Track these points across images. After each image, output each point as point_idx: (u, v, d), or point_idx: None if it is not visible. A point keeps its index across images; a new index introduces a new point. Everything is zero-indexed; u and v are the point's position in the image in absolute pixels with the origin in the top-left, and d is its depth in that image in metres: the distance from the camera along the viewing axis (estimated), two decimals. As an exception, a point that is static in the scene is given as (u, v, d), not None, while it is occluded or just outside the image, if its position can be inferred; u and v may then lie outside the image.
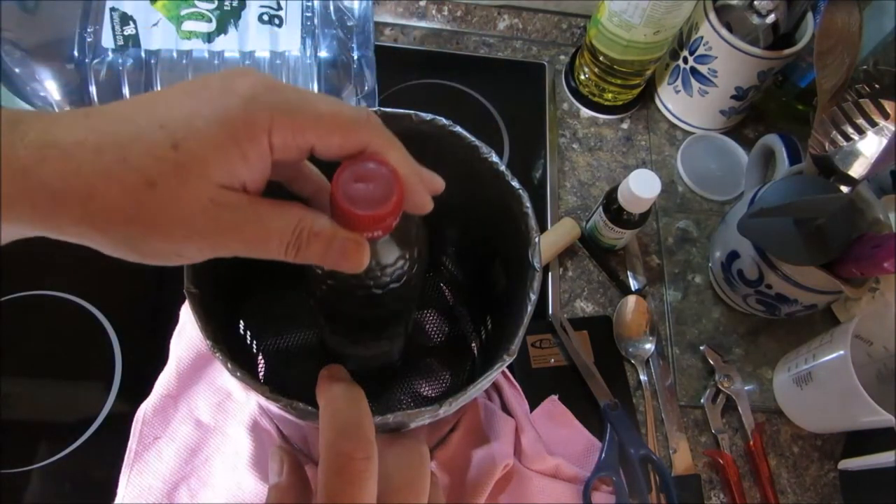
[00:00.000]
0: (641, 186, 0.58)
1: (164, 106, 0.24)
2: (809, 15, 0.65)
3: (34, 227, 0.23)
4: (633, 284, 0.66)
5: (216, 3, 0.54)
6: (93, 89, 0.50)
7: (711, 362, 0.62)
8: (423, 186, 0.29)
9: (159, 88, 0.51)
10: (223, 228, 0.24)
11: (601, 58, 0.70)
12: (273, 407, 0.32)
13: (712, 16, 0.65)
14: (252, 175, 0.25)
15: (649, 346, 0.62)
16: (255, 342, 0.51)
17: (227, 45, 0.53)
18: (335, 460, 0.26)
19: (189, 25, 0.53)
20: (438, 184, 0.31)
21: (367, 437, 0.27)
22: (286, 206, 0.26)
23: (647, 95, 0.77)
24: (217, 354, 0.32)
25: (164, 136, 0.23)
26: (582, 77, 0.74)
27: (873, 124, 0.50)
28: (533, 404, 0.57)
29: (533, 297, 0.36)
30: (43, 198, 0.22)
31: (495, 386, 0.57)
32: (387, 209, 0.27)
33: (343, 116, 0.26)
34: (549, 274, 0.65)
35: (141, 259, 0.25)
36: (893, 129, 0.50)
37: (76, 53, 0.50)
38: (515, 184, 0.39)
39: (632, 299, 0.64)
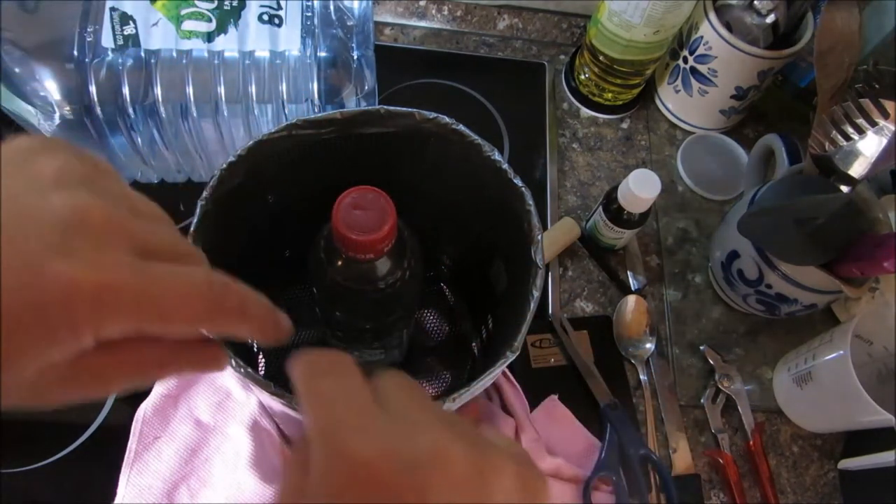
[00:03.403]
0: (641, 186, 0.58)
1: None
2: (809, 15, 0.66)
3: None
4: (633, 284, 0.66)
5: (216, 2, 0.54)
6: (93, 89, 0.50)
7: (711, 362, 0.62)
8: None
9: (159, 89, 0.51)
10: (57, 397, 0.22)
11: (601, 57, 0.70)
12: (276, 404, 0.32)
13: (712, 16, 0.65)
14: (70, 355, 0.21)
15: (649, 346, 0.62)
16: (255, 341, 0.51)
17: (227, 44, 0.53)
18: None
19: (189, 25, 0.53)
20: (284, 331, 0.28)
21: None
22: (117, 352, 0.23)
23: (647, 95, 0.77)
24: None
25: None
26: (582, 77, 0.74)
27: (873, 124, 0.50)
28: (533, 404, 0.57)
29: (536, 294, 0.36)
30: None
31: (495, 386, 0.57)
32: (380, 235, 0.31)
33: (192, 308, 0.23)
34: (550, 274, 0.65)
35: None
36: (893, 128, 0.50)
37: (76, 53, 0.50)
38: (518, 182, 0.39)
39: (632, 299, 0.64)
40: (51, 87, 0.50)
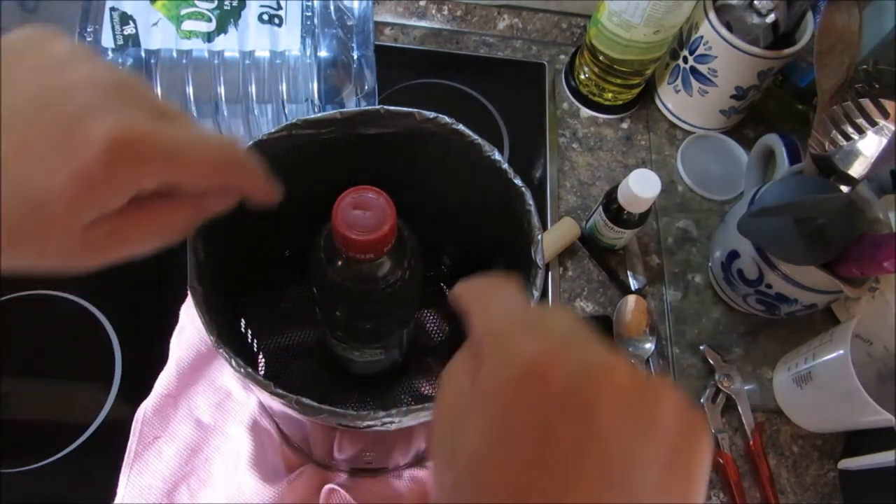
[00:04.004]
0: (641, 186, 0.58)
1: (16, 151, 0.23)
2: (809, 15, 0.66)
3: None
4: (632, 284, 0.66)
5: (216, 2, 0.54)
6: (93, 89, 0.50)
7: (711, 362, 0.62)
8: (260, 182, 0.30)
9: (159, 89, 0.51)
10: (93, 259, 0.27)
11: (601, 57, 0.70)
12: (276, 404, 0.32)
13: (712, 15, 0.65)
14: (111, 208, 0.25)
15: (649, 346, 0.62)
16: (255, 340, 0.51)
17: (227, 44, 0.53)
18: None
19: (189, 25, 0.53)
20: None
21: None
22: (151, 209, 0.27)
23: (647, 95, 0.77)
24: (221, 350, 0.32)
25: (27, 197, 0.23)
26: (582, 77, 0.74)
27: (873, 124, 0.50)
28: (533, 404, 0.57)
29: (536, 294, 0.36)
30: None
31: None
32: (380, 235, 0.32)
33: (210, 162, 0.27)
34: (549, 274, 0.65)
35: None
36: (893, 128, 0.50)
37: (76, 53, 0.50)
38: (518, 181, 0.39)
39: (632, 299, 0.64)
40: (51, 86, 0.50)
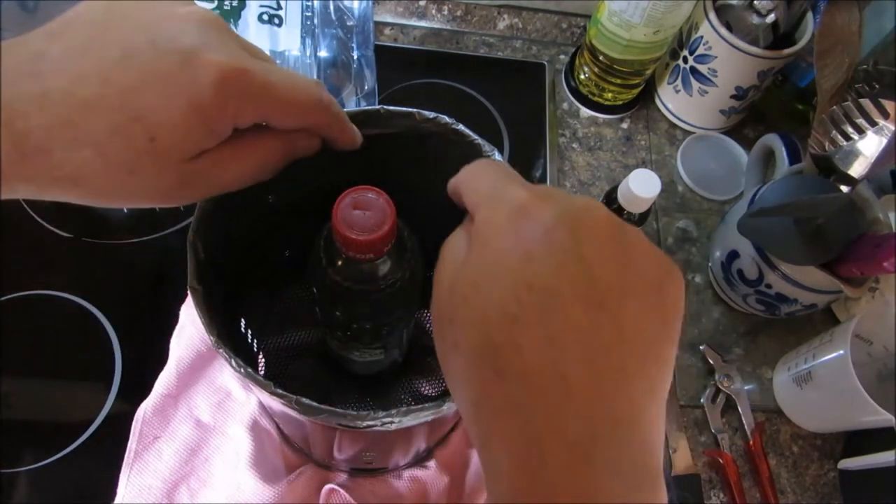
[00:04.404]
0: (641, 186, 0.58)
1: (131, 87, 0.25)
2: (809, 15, 0.66)
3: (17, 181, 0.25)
4: (633, 284, 0.65)
5: (216, 2, 0.54)
6: (93, 89, 0.50)
7: (711, 362, 0.62)
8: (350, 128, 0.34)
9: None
10: (191, 192, 0.29)
11: (601, 57, 0.70)
12: (276, 404, 0.32)
13: (712, 15, 0.65)
14: (216, 142, 0.27)
15: (649, 346, 0.62)
16: (255, 341, 0.51)
17: (228, 44, 0.53)
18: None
19: (189, 25, 0.53)
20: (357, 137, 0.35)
21: None
22: (242, 148, 0.29)
23: (647, 95, 0.77)
24: (221, 350, 0.32)
25: (142, 131, 0.25)
26: (582, 77, 0.74)
27: (873, 124, 0.50)
28: (533, 404, 0.57)
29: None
30: (41, 168, 0.24)
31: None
32: (380, 235, 0.32)
33: (302, 100, 0.29)
34: (550, 274, 0.65)
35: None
36: (893, 128, 0.50)
37: (76, 53, 0.50)
38: (517, 183, 0.39)
39: (632, 299, 0.64)
40: (51, 87, 0.50)
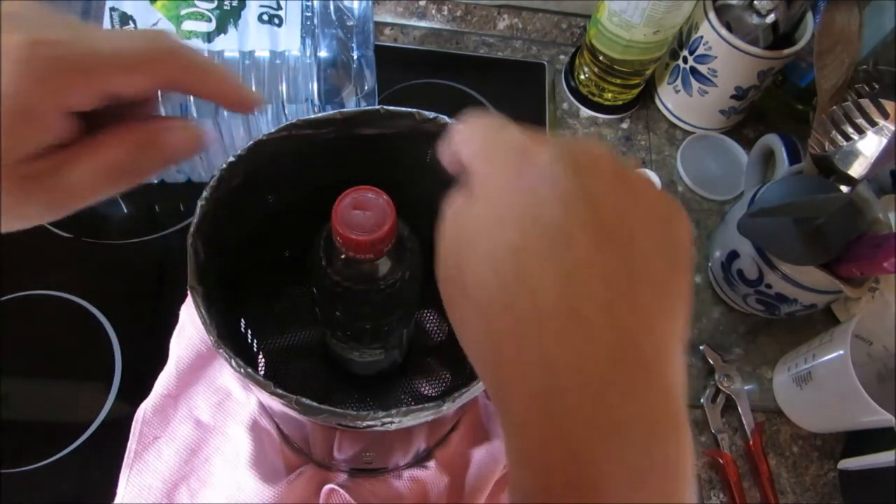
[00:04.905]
0: (641, 186, 0.58)
1: None
2: (809, 15, 0.66)
3: None
4: (633, 284, 0.65)
5: (216, 2, 0.54)
6: (93, 89, 0.50)
7: (711, 362, 0.62)
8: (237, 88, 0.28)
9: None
10: (34, 207, 0.24)
11: (601, 57, 0.70)
12: (276, 404, 0.32)
13: (712, 15, 0.65)
14: (57, 134, 0.23)
15: (649, 346, 0.62)
16: (255, 341, 0.51)
17: (227, 44, 0.53)
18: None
19: (189, 25, 0.53)
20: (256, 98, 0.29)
21: None
22: (99, 144, 0.25)
23: (646, 95, 0.77)
24: (221, 351, 0.32)
25: None
26: (582, 77, 0.74)
27: (873, 124, 0.50)
28: (533, 404, 0.57)
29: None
30: None
31: (496, 385, 0.57)
32: (380, 235, 0.32)
33: (139, 55, 0.24)
34: (550, 274, 0.65)
35: None
36: (893, 128, 0.50)
37: (76, 53, 0.50)
38: (517, 183, 0.39)
39: (632, 299, 0.64)
40: (51, 87, 0.50)
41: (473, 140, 0.25)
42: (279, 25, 0.54)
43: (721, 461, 0.57)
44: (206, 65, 0.27)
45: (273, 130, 0.39)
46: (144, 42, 0.24)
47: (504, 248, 0.21)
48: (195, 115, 0.53)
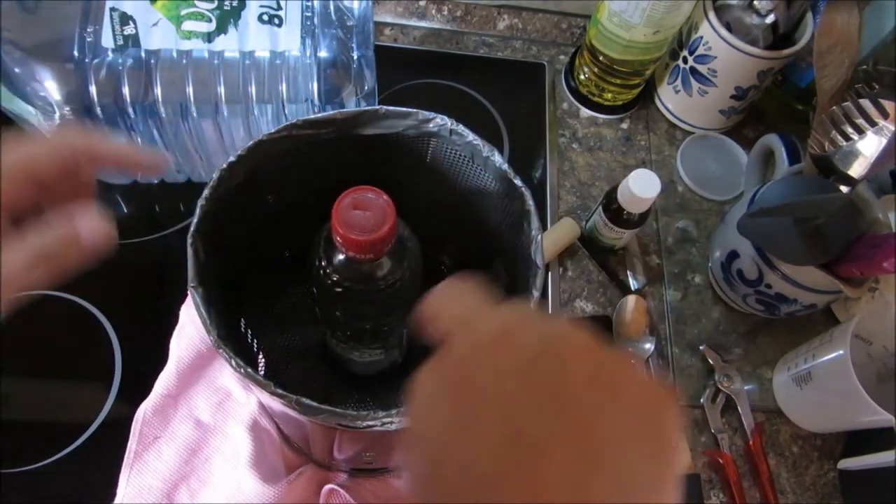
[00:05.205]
0: (641, 186, 0.58)
1: None
2: (809, 15, 0.66)
3: None
4: (632, 284, 0.66)
5: (216, 2, 0.54)
6: (93, 89, 0.50)
7: (711, 362, 0.62)
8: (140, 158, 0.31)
9: (159, 89, 0.51)
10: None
11: (601, 58, 0.70)
12: (276, 404, 0.32)
13: (712, 16, 0.65)
14: None
15: (649, 346, 0.62)
16: (255, 341, 0.51)
17: (227, 44, 0.53)
18: None
19: (189, 25, 0.53)
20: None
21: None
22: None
23: (646, 95, 0.77)
24: (221, 351, 0.32)
25: None
26: (582, 77, 0.74)
27: (873, 124, 0.50)
28: (533, 404, 0.57)
29: (536, 294, 0.36)
30: None
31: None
32: (380, 235, 0.32)
33: (33, 160, 0.27)
34: (549, 274, 0.65)
35: None
36: (893, 129, 0.50)
37: (76, 53, 0.50)
38: (518, 182, 0.39)
39: (631, 299, 0.64)
40: (51, 87, 0.50)
41: (451, 315, 0.25)
42: (279, 25, 0.54)
43: (721, 461, 0.57)
44: (105, 141, 0.30)
45: (273, 130, 0.39)
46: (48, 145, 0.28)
47: (480, 479, 0.19)
48: (195, 114, 0.53)
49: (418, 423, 0.23)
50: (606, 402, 0.20)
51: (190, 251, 0.35)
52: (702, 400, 0.61)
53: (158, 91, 0.52)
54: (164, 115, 0.53)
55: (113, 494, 0.49)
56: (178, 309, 0.55)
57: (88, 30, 0.51)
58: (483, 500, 0.19)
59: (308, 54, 0.53)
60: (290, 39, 0.54)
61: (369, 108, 0.40)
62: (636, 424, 0.21)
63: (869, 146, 0.51)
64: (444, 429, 0.21)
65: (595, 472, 0.19)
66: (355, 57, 0.54)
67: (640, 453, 0.20)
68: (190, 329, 0.54)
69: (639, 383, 0.22)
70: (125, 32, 0.52)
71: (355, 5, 0.55)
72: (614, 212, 0.61)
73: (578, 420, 0.20)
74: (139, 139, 0.55)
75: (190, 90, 0.52)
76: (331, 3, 0.55)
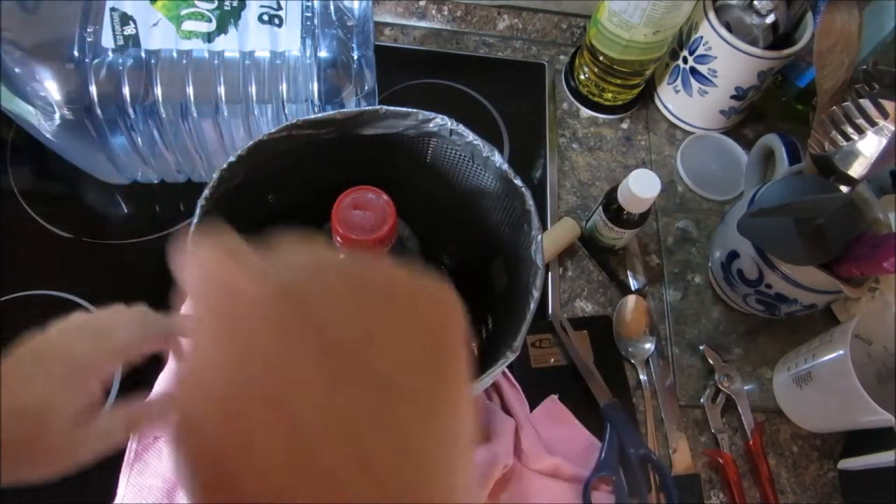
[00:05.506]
0: (641, 186, 0.58)
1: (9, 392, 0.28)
2: (809, 15, 0.66)
3: None
4: (632, 284, 0.66)
5: (216, 2, 0.54)
6: (93, 89, 0.50)
7: (711, 362, 0.62)
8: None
9: (159, 89, 0.51)
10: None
11: (601, 58, 0.70)
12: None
13: (712, 16, 0.65)
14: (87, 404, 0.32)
15: (649, 346, 0.62)
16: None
17: (227, 44, 0.53)
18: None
19: (189, 25, 0.53)
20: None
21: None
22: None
23: (646, 95, 0.77)
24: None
25: (17, 421, 0.29)
26: (582, 77, 0.74)
27: (873, 124, 0.50)
28: (533, 404, 0.57)
29: (536, 293, 0.36)
30: None
31: (495, 386, 0.57)
32: (380, 235, 0.32)
33: (122, 344, 0.35)
34: (549, 273, 0.65)
35: None
36: (893, 129, 0.50)
37: (76, 53, 0.50)
38: (518, 182, 0.39)
39: (632, 299, 0.64)
40: (51, 87, 0.50)
41: (191, 275, 0.23)
42: (279, 26, 0.54)
43: (721, 461, 0.57)
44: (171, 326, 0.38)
45: (273, 130, 0.39)
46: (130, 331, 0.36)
47: (224, 440, 0.18)
48: (195, 114, 0.53)
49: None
50: (365, 313, 0.19)
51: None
52: (702, 400, 0.61)
53: (158, 91, 0.52)
54: (164, 115, 0.53)
55: (113, 494, 0.49)
56: (179, 309, 0.55)
57: (88, 30, 0.51)
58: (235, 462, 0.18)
59: (308, 54, 0.53)
60: (290, 39, 0.54)
61: (369, 108, 0.40)
62: (404, 331, 0.19)
63: (869, 146, 0.51)
64: (183, 396, 0.20)
65: (359, 392, 0.18)
66: (355, 57, 0.54)
67: (410, 359, 0.19)
68: (190, 329, 0.54)
69: (403, 284, 0.20)
70: (125, 32, 0.52)
71: (355, 5, 0.55)
72: (614, 212, 0.61)
73: (327, 340, 0.18)
74: (139, 139, 0.55)
75: (190, 90, 0.52)
76: (331, 3, 0.55)
